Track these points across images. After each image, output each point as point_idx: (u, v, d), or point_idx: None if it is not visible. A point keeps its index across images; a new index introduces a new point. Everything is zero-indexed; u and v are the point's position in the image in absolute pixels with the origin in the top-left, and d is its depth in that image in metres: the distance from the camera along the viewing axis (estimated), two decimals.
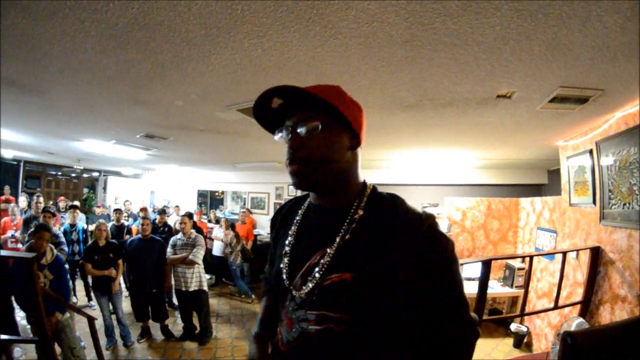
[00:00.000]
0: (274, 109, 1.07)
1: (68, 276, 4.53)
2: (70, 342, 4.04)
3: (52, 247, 4.27)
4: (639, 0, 1.70)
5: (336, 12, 1.88)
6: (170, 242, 5.46)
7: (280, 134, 1.10)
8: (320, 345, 1.02)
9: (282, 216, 1.33)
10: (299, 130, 1.04)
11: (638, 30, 1.95)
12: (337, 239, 1.04)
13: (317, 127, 1.02)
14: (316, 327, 1.02)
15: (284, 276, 1.13)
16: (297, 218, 1.21)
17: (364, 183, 1.16)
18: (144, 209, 9.58)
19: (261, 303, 1.42)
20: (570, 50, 2.25)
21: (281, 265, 1.15)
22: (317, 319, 1.03)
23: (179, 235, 5.45)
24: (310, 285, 1.04)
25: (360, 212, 1.06)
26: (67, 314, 4.10)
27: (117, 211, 7.68)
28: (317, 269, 1.04)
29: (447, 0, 1.74)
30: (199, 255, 5.27)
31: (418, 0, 1.76)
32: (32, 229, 5.44)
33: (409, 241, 0.98)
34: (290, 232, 1.19)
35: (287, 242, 1.18)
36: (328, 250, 1.04)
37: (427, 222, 1.02)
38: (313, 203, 1.19)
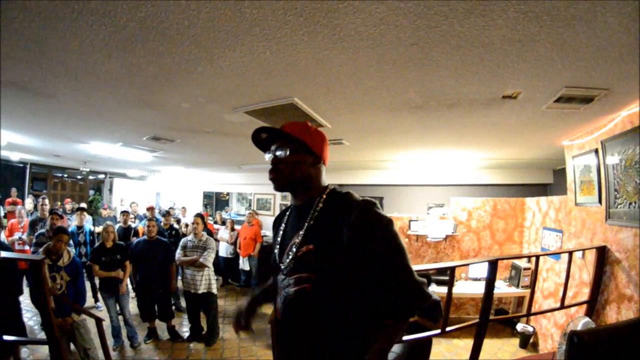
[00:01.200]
0: (263, 139, 1.61)
1: (85, 278, 4.58)
2: (85, 342, 4.08)
3: (70, 249, 4.32)
4: None
5: (345, 15, 1.91)
6: (181, 243, 5.48)
7: (268, 154, 1.59)
8: (298, 301, 1.46)
9: (278, 220, 1.83)
10: (277, 154, 1.55)
11: None
12: (305, 225, 1.50)
13: (286, 151, 1.52)
14: (294, 287, 1.46)
15: (277, 258, 1.61)
16: (285, 218, 1.73)
17: (326, 186, 1.61)
18: (151, 209, 9.62)
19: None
20: (575, 50, 2.27)
21: (275, 251, 1.65)
22: (295, 281, 1.46)
23: (190, 237, 5.47)
24: (289, 257, 1.50)
25: (320, 205, 1.52)
26: (83, 315, 4.13)
27: (125, 213, 7.71)
28: (293, 247, 1.50)
29: (454, 2, 1.77)
30: (209, 258, 5.28)
31: (425, 3, 1.78)
32: (43, 231, 5.52)
33: (348, 218, 1.38)
34: (281, 228, 1.69)
35: (279, 235, 1.67)
36: (300, 233, 1.50)
37: (363, 203, 1.44)
38: (293, 204, 1.69)
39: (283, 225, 1.69)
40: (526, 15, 1.87)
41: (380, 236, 1.38)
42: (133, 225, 7.76)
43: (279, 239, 1.66)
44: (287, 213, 1.74)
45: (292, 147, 1.52)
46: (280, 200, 11.46)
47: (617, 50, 2.25)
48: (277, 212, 11.35)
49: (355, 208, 1.41)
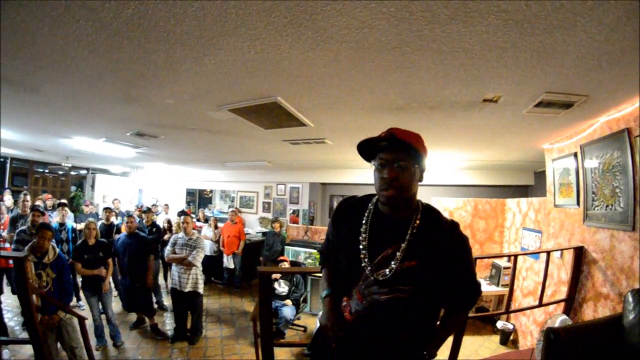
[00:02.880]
0: (374, 145, 1.56)
1: (70, 274, 4.52)
2: (72, 341, 4.03)
3: (54, 245, 4.26)
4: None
5: (328, 18, 1.93)
6: (171, 240, 5.47)
7: (376, 162, 1.57)
8: (388, 308, 1.51)
9: (345, 211, 1.79)
10: (396, 166, 1.50)
11: (622, 39, 2.03)
12: (407, 238, 1.53)
13: (408, 166, 1.51)
14: (387, 296, 1.50)
15: (364, 262, 1.57)
16: (365, 219, 1.66)
17: (418, 201, 1.66)
18: (140, 209, 9.38)
19: (323, 272, 1.92)
20: (555, 58, 2.32)
21: (361, 255, 1.58)
22: (389, 291, 1.50)
23: (181, 234, 5.45)
24: (388, 270, 1.51)
25: (418, 222, 1.57)
26: (69, 313, 4.08)
27: (107, 210, 7.62)
28: (394, 260, 1.52)
29: (436, 8, 1.80)
30: (198, 257, 5.27)
31: (407, 8, 1.81)
32: (24, 228, 5.43)
33: (447, 241, 1.55)
34: (362, 230, 1.63)
35: (361, 237, 1.61)
36: (402, 246, 1.52)
37: (457, 228, 1.61)
38: (381, 211, 1.65)
39: (366, 226, 1.64)
40: (507, 23, 1.91)
41: (465, 256, 1.62)
42: (116, 222, 7.67)
43: (363, 241, 1.61)
44: (368, 213, 1.68)
45: (413, 161, 1.53)
46: (263, 198, 11.46)
47: (597, 58, 2.30)
48: (260, 210, 11.36)
49: (449, 229, 1.60)
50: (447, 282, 1.55)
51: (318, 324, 1.84)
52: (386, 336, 1.55)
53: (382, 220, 1.64)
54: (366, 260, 1.57)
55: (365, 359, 1.59)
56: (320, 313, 1.84)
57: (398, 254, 1.52)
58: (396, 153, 1.51)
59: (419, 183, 1.61)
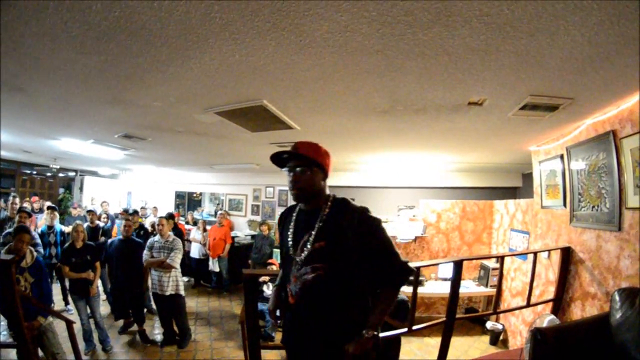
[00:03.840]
0: (281, 157, 1.97)
1: (49, 279, 4.44)
2: (53, 347, 3.97)
3: (32, 249, 4.17)
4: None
5: (310, 22, 1.93)
6: (148, 243, 5.37)
7: (286, 169, 1.96)
8: (314, 285, 1.84)
9: (283, 218, 2.18)
10: (297, 170, 1.90)
11: (605, 42, 2.05)
12: (316, 226, 1.89)
13: (305, 170, 1.90)
14: (311, 274, 1.84)
15: (291, 251, 1.95)
16: (293, 217, 2.07)
17: (329, 195, 2.01)
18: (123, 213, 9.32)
19: (280, 273, 2.26)
20: (539, 61, 2.33)
21: (289, 245, 1.98)
22: (311, 270, 1.84)
23: (157, 238, 5.34)
24: (306, 251, 1.87)
25: (327, 211, 1.92)
26: (50, 318, 4.00)
27: (91, 212, 7.56)
28: (308, 243, 1.87)
29: (418, 12, 1.80)
30: (176, 259, 5.17)
31: (389, 12, 1.81)
32: (10, 231, 5.36)
33: (351, 221, 1.84)
34: (290, 226, 2.04)
35: (289, 232, 2.02)
36: (312, 232, 1.88)
37: (361, 209, 1.89)
38: (302, 208, 2.05)
39: (292, 224, 2.05)
40: (489, 27, 1.91)
41: (374, 231, 1.87)
42: (101, 225, 7.60)
43: (290, 235, 2.01)
44: (294, 214, 2.08)
45: (309, 166, 1.90)
46: (252, 200, 11.46)
47: (581, 61, 2.32)
48: (249, 212, 11.37)
49: (356, 213, 1.87)
50: (364, 260, 1.83)
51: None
52: (320, 313, 1.87)
53: (303, 215, 2.03)
54: (291, 247, 1.97)
55: (308, 336, 1.92)
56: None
57: (310, 237, 1.88)
58: (296, 161, 1.92)
59: (324, 181, 1.99)
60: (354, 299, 1.87)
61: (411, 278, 2.34)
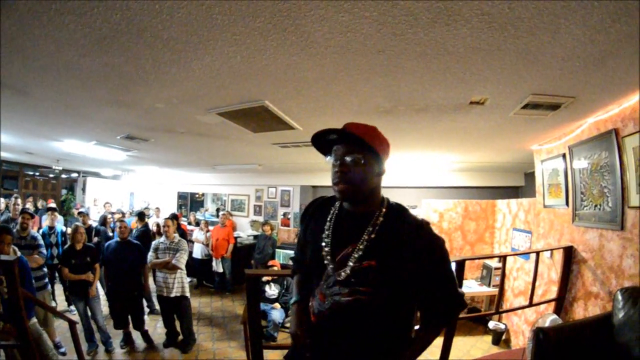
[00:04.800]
0: (327, 139, 1.51)
1: (33, 280, 4.40)
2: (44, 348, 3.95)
3: (15, 248, 4.15)
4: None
5: (312, 23, 1.93)
6: (153, 245, 5.35)
7: (329, 157, 1.54)
8: (349, 310, 1.43)
9: (312, 211, 1.75)
10: (347, 159, 1.45)
11: (607, 41, 2.04)
12: (366, 237, 1.45)
13: (360, 160, 1.43)
14: (347, 298, 1.43)
15: (326, 260, 1.51)
16: (330, 216, 1.61)
17: (383, 197, 1.58)
18: (120, 215, 9.25)
19: (294, 279, 1.88)
20: (540, 60, 2.33)
21: (323, 253, 1.53)
22: (349, 292, 1.43)
23: (162, 239, 5.33)
24: (348, 269, 1.44)
25: (381, 219, 1.48)
26: (34, 319, 3.89)
27: (81, 214, 7.60)
28: (351, 258, 1.44)
29: (418, 12, 1.80)
30: (181, 260, 5.13)
31: (390, 12, 1.81)
32: (17, 233, 5.36)
33: (413, 241, 1.42)
34: (325, 227, 1.58)
35: (324, 234, 1.57)
36: (360, 246, 1.44)
37: (425, 227, 1.48)
38: (345, 208, 1.60)
39: (330, 223, 1.59)
40: (490, 26, 1.91)
41: (438, 259, 1.48)
42: (94, 225, 7.60)
43: (326, 240, 1.56)
44: (334, 211, 1.64)
45: (365, 155, 1.45)
46: (254, 201, 11.46)
47: (582, 60, 2.31)
48: (252, 213, 11.32)
49: (417, 228, 1.47)
50: (418, 288, 1.47)
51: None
52: (350, 341, 1.46)
53: (346, 217, 1.58)
54: (328, 258, 1.52)
55: None
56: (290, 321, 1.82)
57: (358, 252, 1.45)
58: (347, 147, 1.46)
59: (380, 177, 1.55)
60: (397, 331, 1.51)
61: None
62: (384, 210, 1.52)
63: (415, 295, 1.49)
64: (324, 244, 1.55)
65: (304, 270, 1.80)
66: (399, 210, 1.55)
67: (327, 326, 1.51)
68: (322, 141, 1.53)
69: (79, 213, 7.64)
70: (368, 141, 1.42)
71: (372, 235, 1.45)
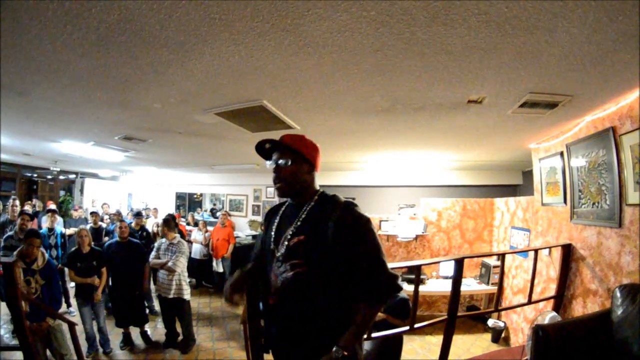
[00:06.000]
0: (266, 148, 1.85)
1: (60, 281, 4.45)
2: (61, 348, 3.99)
3: (44, 251, 4.21)
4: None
5: (310, 22, 1.94)
6: (155, 245, 5.38)
7: (269, 162, 1.85)
8: (294, 284, 1.68)
9: (271, 213, 2.06)
10: (279, 162, 1.79)
11: (604, 39, 2.05)
12: (299, 219, 1.77)
13: (288, 161, 1.78)
14: (290, 273, 1.69)
15: (272, 245, 1.84)
16: (280, 212, 1.96)
17: (317, 190, 1.88)
18: (117, 214, 9.26)
19: (252, 256, 2.13)
20: (538, 58, 2.34)
21: (271, 240, 1.86)
22: (290, 268, 1.69)
23: (163, 239, 5.34)
24: (284, 246, 1.74)
25: (312, 204, 1.80)
26: (58, 320, 4.02)
27: (93, 214, 7.57)
28: (287, 237, 1.75)
29: (416, 11, 1.80)
30: (178, 262, 5.08)
31: (388, 12, 1.82)
32: (11, 234, 5.35)
33: (332, 215, 1.67)
34: (275, 220, 1.92)
35: (273, 226, 1.90)
36: (293, 227, 1.75)
37: (345, 203, 1.73)
38: (290, 202, 1.92)
39: (277, 218, 1.93)
40: (488, 25, 1.92)
41: (360, 232, 1.66)
42: (104, 226, 7.59)
43: (274, 228, 1.89)
44: (282, 208, 1.97)
45: (292, 157, 1.78)
46: (252, 201, 11.46)
47: (580, 58, 2.32)
48: (250, 212, 11.36)
49: (339, 207, 1.70)
50: (346, 262, 1.63)
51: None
52: (300, 317, 1.71)
53: (289, 210, 1.92)
54: (273, 241, 1.85)
55: (290, 342, 1.77)
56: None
57: (290, 232, 1.76)
58: (280, 153, 1.81)
59: (311, 174, 1.85)
60: (339, 301, 1.67)
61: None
62: (315, 198, 1.82)
63: (346, 273, 1.65)
64: (273, 233, 1.88)
65: (258, 260, 2.03)
66: (329, 197, 1.83)
67: (281, 302, 1.76)
68: (264, 149, 1.86)
69: (91, 213, 7.60)
70: (295, 147, 1.78)
71: (303, 216, 1.77)
